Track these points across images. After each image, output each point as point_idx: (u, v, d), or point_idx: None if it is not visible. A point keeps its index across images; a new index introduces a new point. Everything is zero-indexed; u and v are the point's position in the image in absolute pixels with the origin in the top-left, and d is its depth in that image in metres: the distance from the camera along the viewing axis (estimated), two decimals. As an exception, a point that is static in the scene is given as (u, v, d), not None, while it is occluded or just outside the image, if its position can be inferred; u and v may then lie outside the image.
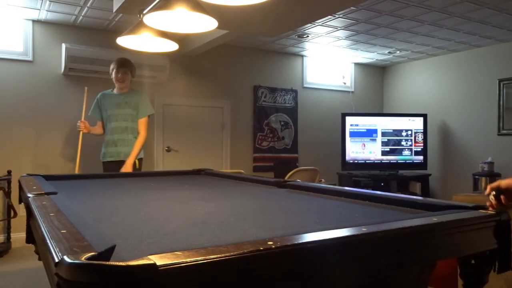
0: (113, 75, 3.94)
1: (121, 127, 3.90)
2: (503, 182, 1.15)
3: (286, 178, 4.29)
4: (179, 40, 3.41)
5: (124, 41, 2.89)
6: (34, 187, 2.13)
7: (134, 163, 3.81)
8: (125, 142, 3.87)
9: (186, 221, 1.47)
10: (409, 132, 6.27)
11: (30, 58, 4.67)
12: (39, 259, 1.70)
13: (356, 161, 6.21)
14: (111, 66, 3.98)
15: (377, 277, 1.17)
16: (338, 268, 1.02)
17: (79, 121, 4.01)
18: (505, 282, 2.32)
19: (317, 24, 4.83)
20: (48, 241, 1.00)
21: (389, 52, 6.24)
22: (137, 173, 3.60)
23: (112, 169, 3.76)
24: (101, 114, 4.05)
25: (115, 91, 4.02)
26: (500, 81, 5.68)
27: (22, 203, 2.22)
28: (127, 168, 3.73)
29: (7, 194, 4.25)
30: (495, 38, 5.44)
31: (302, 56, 6.51)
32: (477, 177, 5.58)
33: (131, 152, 3.81)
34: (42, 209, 1.47)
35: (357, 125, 6.20)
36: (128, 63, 3.97)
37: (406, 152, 6.26)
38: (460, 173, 6.04)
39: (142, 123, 3.94)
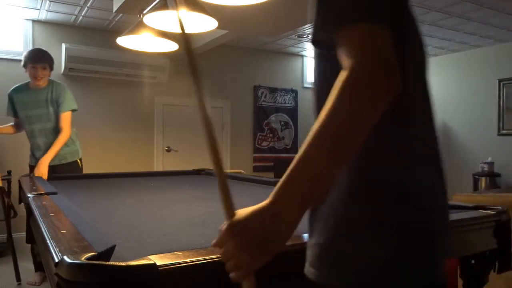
0: (28, 71, 3.23)
1: (46, 129, 3.27)
2: None
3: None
4: (179, 40, 3.41)
5: (124, 41, 2.89)
6: (34, 187, 2.13)
7: (77, 163, 3.37)
8: (47, 145, 3.26)
9: (186, 221, 1.47)
10: (409, 132, 6.27)
11: (30, 58, 4.67)
12: (39, 259, 1.70)
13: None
14: (23, 60, 3.26)
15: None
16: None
17: None
18: (505, 282, 2.32)
19: (317, 24, 4.83)
20: (48, 241, 1.00)
21: (389, 52, 6.23)
22: (137, 173, 3.59)
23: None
24: (17, 113, 3.35)
25: (31, 86, 3.30)
26: (500, 81, 5.68)
27: (22, 203, 2.22)
28: (41, 166, 3.08)
29: (7, 194, 4.25)
30: (495, 38, 5.44)
31: (302, 56, 6.51)
32: (477, 177, 5.58)
33: (72, 152, 3.37)
34: (42, 209, 1.47)
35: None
36: (46, 57, 3.27)
37: (406, 152, 6.25)
38: (460, 173, 6.04)
39: (64, 118, 3.24)
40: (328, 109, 0.62)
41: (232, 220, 0.69)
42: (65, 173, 3.20)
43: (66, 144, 3.28)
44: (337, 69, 0.65)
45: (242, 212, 0.69)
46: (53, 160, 3.18)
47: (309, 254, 0.78)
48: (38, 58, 3.22)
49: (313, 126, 0.64)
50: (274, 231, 0.66)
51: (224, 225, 0.70)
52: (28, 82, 3.34)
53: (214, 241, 0.71)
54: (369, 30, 0.63)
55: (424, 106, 0.78)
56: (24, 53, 3.33)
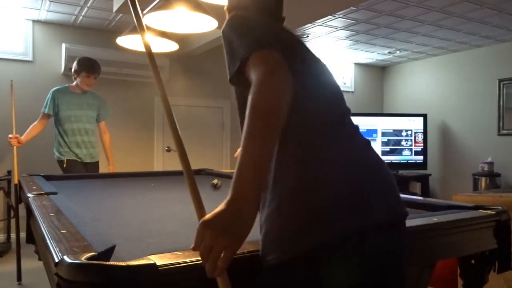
0: (80, 78, 3.63)
1: (85, 129, 3.72)
2: None
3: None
4: (179, 40, 3.41)
5: (124, 41, 2.89)
6: (34, 187, 2.13)
7: (62, 162, 3.67)
8: (91, 144, 3.77)
9: (186, 221, 1.47)
10: (409, 132, 6.27)
11: (30, 58, 4.67)
12: (39, 259, 1.70)
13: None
14: (76, 66, 3.65)
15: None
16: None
17: (9, 136, 3.58)
18: (505, 282, 2.32)
19: (317, 24, 4.83)
20: (48, 241, 1.00)
21: (389, 52, 6.24)
22: (137, 173, 3.59)
23: (78, 168, 3.65)
24: (58, 111, 3.69)
25: (73, 89, 3.73)
26: (500, 81, 5.68)
27: (22, 203, 2.22)
28: (113, 166, 3.90)
29: (7, 194, 4.25)
30: (495, 38, 5.44)
31: (302, 56, 6.50)
32: (477, 177, 5.58)
33: (98, 153, 3.85)
34: (42, 209, 1.47)
35: (357, 125, 6.20)
36: (98, 67, 3.70)
37: (406, 152, 6.26)
38: (460, 173, 6.04)
39: (105, 123, 3.92)
40: (248, 111, 0.82)
41: (204, 219, 0.82)
42: (94, 171, 3.77)
43: (96, 145, 3.84)
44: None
45: (212, 212, 0.82)
46: (88, 157, 3.74)
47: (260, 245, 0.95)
48: (93, 69, 3.65)
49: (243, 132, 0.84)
50: (241, 216, 0.81)
51: (197, 228, 0.82)
52: (68, 86, 3.80)
53: (192, 245, 0.81)
54: (260, 53, 0.88)
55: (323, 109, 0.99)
56: (78, 61, 3.69)
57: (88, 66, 3.63)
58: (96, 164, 3.84)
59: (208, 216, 0.82)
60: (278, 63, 0.86)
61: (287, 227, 0.89)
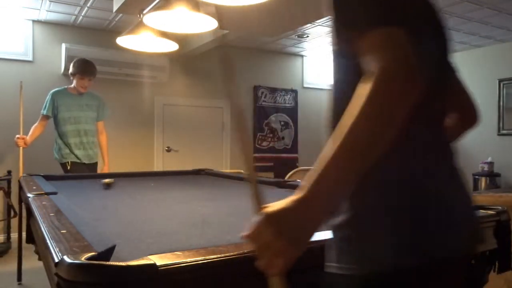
0: (75, 80, 3.65)
1: (84, 130, 3.73)
2: None
3: (286, 178, 4.29)
4: (179, 40, 3.41)
5: (124, 41, 2.89)
6: (34, 187, 2.13)
7: (65, 165, 3.69)
8: (89, 145, 3.77)
9: (186, 221, 1.47)
10: (409, 132, 6.27)
11: (30, 58, 4.67)
12: (39, 259, 1.70)
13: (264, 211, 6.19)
14: (72, 68, 3.67)
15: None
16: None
17: (17, 136, 3.64)
18: (505, 282, 2.32)
19: (317, 24, 4.83)
20: (48, 241, 1.00)
21: (389, 52, 6.23)
22: (137, 173, 3.60)
23: (82, 170, 3.64)
24: (57, 113, 3.70)
25: (71, 91, 3.74)
26: (500, 81, 5.68)
27: (21, 204, 2.22)
28: (108, 167, 3.85)
29: (7, 194, 4.25)
30: (495, 38, 5.44)
31: (302, 56, 6.51)
32: (477, 177, 5.58)
33: (96, 154, 3.85)
34: (42, 209, 1.47)
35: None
36: (93, 69, 3.70)
37: (406, 152, 6.25)
38: (460, 173, 6.03)
39: (103, 125, 3.90)
40: (354, 114, 0.65)
41: (268, 211, 0.70)
42: (94, 171, 3.75)
43: (95, 146, 3.84)
44: (357, 71, 0.69)
45: (275, 205, 0.71)
46: (87, 159, 3.75)
47: (332, 250, 0.81)
48: (87, 72, 3.65)
49: (337, 127, 0.67)
50: (309, 222, 0.69)
51: (255, 218, 0.72)
52: (66, 87, 3.80)
53: (246, 233, 0.72)
54: (387, 33, 0.66)
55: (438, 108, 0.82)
56: (73, 63, 3.70)
57: (82, 69, 3.63)
58: (94, 165, 3.84)
59: (273, 209, 0.70)
60: (407, 61, 0.64)
61: (393, 238, 0.75)
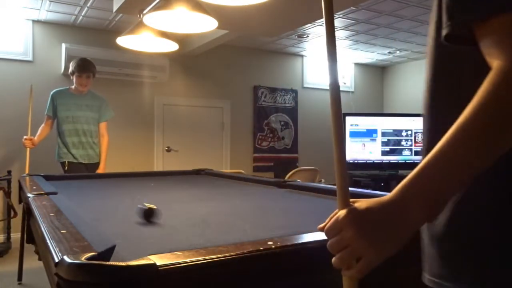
0: (74, 79, 3.68)
1: (83, 130, 3.72)
2: None
3: (286, 178, 4.29)
4: (179, 40, 3.41)
5: (124, 41, 2.89)
6: (34, 187, 2.13)
7: (64, 164, 3.70)
8: (90, 145, 3.77)
9: (186, 221, 1.47)
10: (409, 132, 6.27)
11: (30, 58, 4.67)
12: (39, 259, 1.70)
13: (356, 161, 6.21)
14: (70, 67, 3.72)
15: (377, 277, 1.17)
16: (338, 269, 1.02)
17: (24, 138, 3.69)
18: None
19: (317, 24, 4.83)
20: (48, 241, 1.00)
21: (389, 52, 6.24)
22: (137, 173, 3.60)
23: (80, 170, 3.64)
24: (56, 113, 3.74)
25: (73, 91, 3.77)
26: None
27: (22, 203, 2.22)
28: (102, 169, 3.78)
29: (7, 194, 4.25)
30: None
31: (302, 56, 6.51)
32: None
33: (98, 155, 3.82)
34: (42, 209, 1.47)
35: (357, 125, 6.20)
36: (90, 66, 3.71)
37: (406, 152, 6.26)
38: (460, 173, 6.03)
39: (106, 126, 3.88)
40: (476, 109, 0.56)
41: (353, 207, 0.65)
42: (93, 171, 3.72)
43: (96, 147, 3.83)
44: (470, 70, 0.62)
45: (363, 202, 0.66)
46: (86, 158, 3.74)
47: (435, 263, 0.71)
48: (83, 69, 3.66)
49: (456, 123, 0.59)
50: (398, 226, 0.62)
51: (338, 212, 0.67)
52: (69, 87, 3.82)
53: (324, 225, 0.68)
54: None
55: None
56: (72, 62, 3.75)
57: (78, 66, 3.65)
58: (95, 165, 3.82)
59: (360, 206, 0.65)
60: None
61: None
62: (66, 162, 3.69)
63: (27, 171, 3.62)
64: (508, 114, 0.55)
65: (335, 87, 0.74)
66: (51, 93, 3.78)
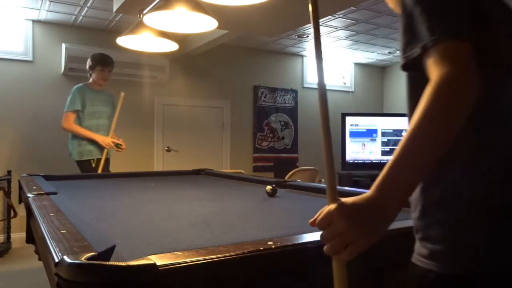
0: (96, 73, 3.72)
1: (106, 125, 3.82)
2: None
3: (286, 178, 4.29)
4: (179, 40, 3.41)
5: (124, 41, 2.89)
6: (34, 187, 2.13)
7: (90, 162, 3.69)
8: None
9: (186, 221, 1.47)
10: (409, 132, 6.27)
11: (30, 58, 4.67)
12: (39, 259, 1.70)
13: (356, 161, 6.21)
14: (90, 62, 3.75)
15: (377, 277, 1.17)
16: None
17: (112, 141, 3.75)
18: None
19: (317, 24, 4.83)
20: (48, 241, 1.00)
21: (389, 52, 6.24)
22: (137, 173, 3.60)
23: (105, 167, 3.72)
24: (85, 107, 3.75)
25: (91, 86, 3.80)
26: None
27: (22, 203, 2.22)
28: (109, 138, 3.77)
29: (7, 194, 4.25)
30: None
31: (302, 56, 6.51)
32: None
33: (111, 150, 3.84)
34: (42, 209, 1.47)
35: (357, 125, 6.20)
36: (112, 61, 3.80)
37: (406, 152, 6.25)
38: (460, 173, 6.03)
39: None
40: (423, 108, 0.72)
41: (341, 202, 0.77)
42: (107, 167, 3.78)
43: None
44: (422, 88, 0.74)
45: (348, 198, 0.78)
46: (104, 153, 3.72)
47: (422, 245, 0.85)
48: (107, 63, 3.73)
49: (411, 123, 0.74)
50: (379, 216, 0.75)
51: (328, 206, 0.78)
52: (86, 83, 3.82)
53: (315, 219, 0.78)
54: (449, 46, 0.73)
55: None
56: (91, 57, 3.76)
57: (101, 60, 3.71)
58: (108, 161, 3.87)
59: (347, 202, 0.77)
60: (466, 66, 0.71)
61: (494, 239, 0.77)
62: (94, 159, 3.69)
63: (100, 171, 3.66)
64: (445, 107, 0.71)
65: (322, 87, 0.89)
66: (76, 88, 3.76)
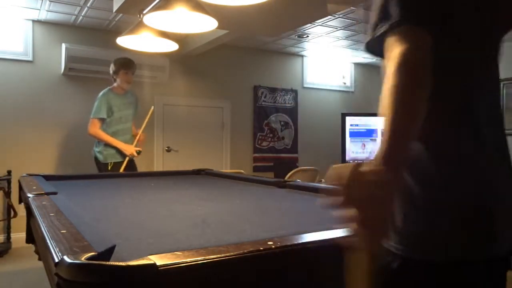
0: (120, 77, 3.86)
1: (129, 128, 3.97)
2: None
3: (286, 178, 4.29)
4: (179, 40, 3.41)
5: (124, 41, 2.89)
6: (34, 187, 2.13)
7: (107, 165, 3.81)
8: (128, 142, 3.95)
9: (186, 221, 1.47)
10: (409, 132, 6.27)
11: (30, 58, 4.67)
12: (39, 259, 1.70)
13: (356, 161, 6.20)
14: (113, 66, 3.90)
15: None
16: (338, 268, 1.02)
17: (133, 149, 3.88)
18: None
19: (317, 24, 4.83)
20: (48, 241, 1.00)
21: (389, 52, 6.23)
22: (137, 173, 3.60)
23: (119, 167, 3.80)
24: (113, 113, 3.88)
25: (117, 91, 3.94)
26: (500, 81, 5.67)
27: (22, 203, 2.22)
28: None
29: (7, 194, 4.25)
30: (495, 38, 5.44)
31: (302, 56, 6.51)
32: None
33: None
34: (42, 209, 1.47)
35: (357, 125, 6.20)
36: (134, 64, 3.98)
37: (406, 152, 6.26)
38: (460, 173, 6.02)
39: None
40: (390, 87, 0.85)
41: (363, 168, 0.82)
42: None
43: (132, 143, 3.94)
44: None
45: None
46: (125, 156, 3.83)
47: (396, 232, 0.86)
48: (130, 65, 3.88)
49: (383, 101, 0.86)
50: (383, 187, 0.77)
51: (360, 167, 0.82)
52: (110, 88, 3.93)
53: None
54: (409, 29, 0.81)
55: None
56: (114, 62, 3.91)
57: (124, 63, 3.85)
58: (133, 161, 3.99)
59: (364, 169, 0.81)
60: (421, 46, 0.80)
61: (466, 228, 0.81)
62: (111, 163, 3.81)
63: (122, 170, 3.76)
64: (408, 82, 0.81)
65: None
66: (102, 95, 3.87)
